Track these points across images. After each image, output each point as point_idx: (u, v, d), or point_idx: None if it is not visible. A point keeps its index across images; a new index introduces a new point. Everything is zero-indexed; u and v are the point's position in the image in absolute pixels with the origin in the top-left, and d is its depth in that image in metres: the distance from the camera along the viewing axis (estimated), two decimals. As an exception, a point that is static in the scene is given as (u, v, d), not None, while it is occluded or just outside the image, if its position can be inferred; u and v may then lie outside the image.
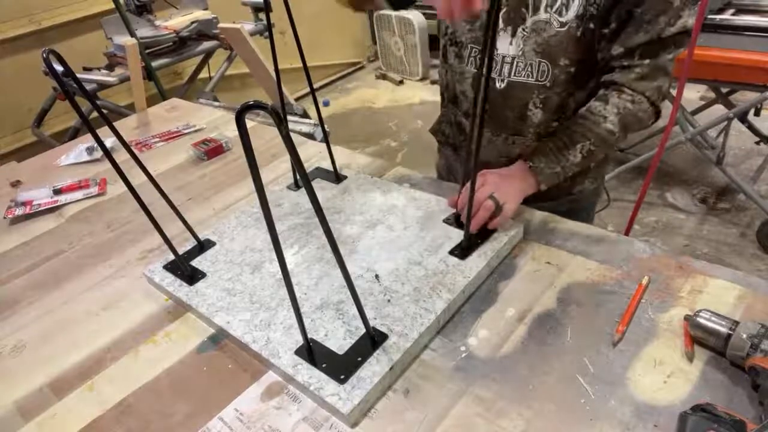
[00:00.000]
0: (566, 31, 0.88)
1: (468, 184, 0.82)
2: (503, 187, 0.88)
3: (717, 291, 0.76)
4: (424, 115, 3.54)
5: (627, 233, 1.03)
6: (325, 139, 1.07)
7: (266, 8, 0.93)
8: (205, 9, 2.74)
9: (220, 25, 2.35)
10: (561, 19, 0.87)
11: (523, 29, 0.91)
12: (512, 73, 0.95)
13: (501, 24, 0.93)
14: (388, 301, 0.78)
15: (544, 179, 0.90)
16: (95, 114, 1.38)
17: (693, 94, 3.12)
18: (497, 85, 0.97)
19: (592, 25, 0.87)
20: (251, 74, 2.18)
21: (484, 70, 0.70)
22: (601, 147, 0.91)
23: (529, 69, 0.93)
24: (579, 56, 0.90)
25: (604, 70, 0.92)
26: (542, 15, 0.89)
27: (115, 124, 1.21)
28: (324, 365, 0.69)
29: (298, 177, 1.08)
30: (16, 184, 1.29)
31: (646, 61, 0.86)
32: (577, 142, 0.90)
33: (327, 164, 1.11)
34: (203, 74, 2.92)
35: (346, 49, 4.22)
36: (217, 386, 0.72)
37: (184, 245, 0.94)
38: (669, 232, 2.29)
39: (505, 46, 0.94)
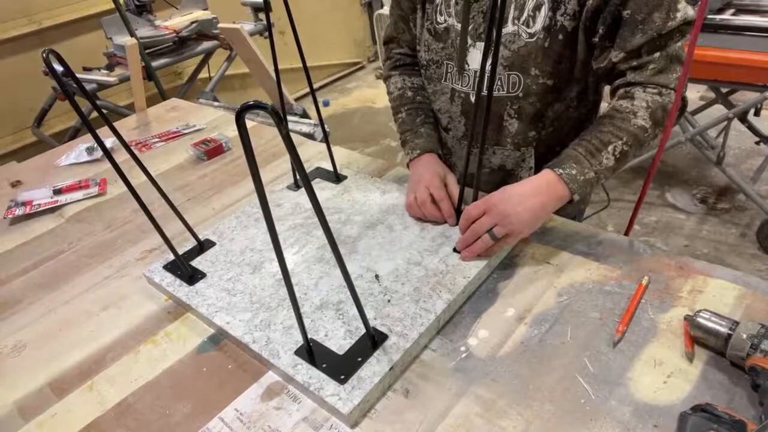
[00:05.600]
0: (534, 41, 0.87)
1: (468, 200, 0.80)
2: (510, 218, 0.81)
3: (717, 291, 0.76)
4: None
5: (627, 233, 1.02)
6: (325, 139, 1.07)
7: (266, 8, 0.93)
8: (205, 9, 2.74)
9: (220, 25, 2.35)
10: (529, 30, 0.87)
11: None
12: (484, 88, 0.94)
13: (470, 40, 0.92)
14: (388, 301, 0.78)
15: (578, 188, 0.82)
16: (95, 114, 1.38)
17: (693, 94, 3.12)
18: (472, 98, 0.96)
19: (561, 36, 0.85)
20: (251, 74, 2.18)
21: (485, 85, 0.68)
22: (634, 146, 0.85)
23: (499, 83, 0.93)
24: (551, 67, 0.89)
25: (610, 79, 0.90)
26: (510, 28, 0.88)
27: (115, 124, 1.21)
28: (324, 365, 0.69)
29: (298, 177, 1.08)
30: (16, 184, 1.29)
31: (657, 55, 0.83)
32: (609, 143, 0.83)
33: (327, 164, 1.11)
34: (203, 74, 2.92)
35: (346, 49, 4.22)
36: (217, 386, 0.72)
37: (184, 245, 0.94)
38: (669, 232, 2.29)
39: (476, 61, 0.93)
